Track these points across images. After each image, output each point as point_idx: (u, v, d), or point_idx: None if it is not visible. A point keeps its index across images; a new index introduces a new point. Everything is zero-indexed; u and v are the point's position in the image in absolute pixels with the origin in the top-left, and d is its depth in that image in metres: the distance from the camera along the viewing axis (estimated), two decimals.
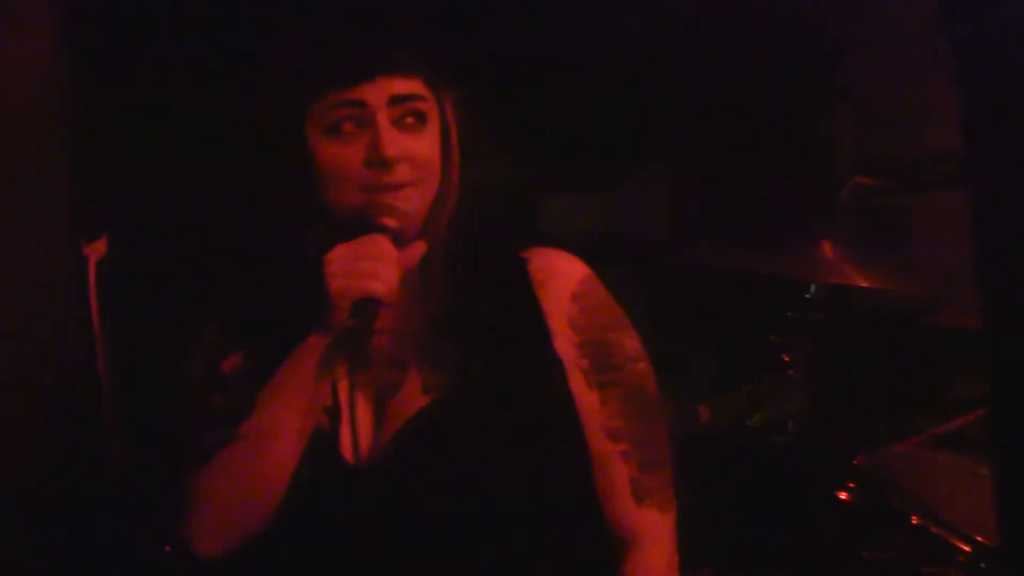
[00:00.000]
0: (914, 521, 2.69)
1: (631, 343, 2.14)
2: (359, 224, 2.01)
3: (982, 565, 2.59)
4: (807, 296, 2.97)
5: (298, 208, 2.07)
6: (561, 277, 2.13)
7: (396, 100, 2.03)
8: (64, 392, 2.21)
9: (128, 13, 2.74)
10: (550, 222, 4.74)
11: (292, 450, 2.01)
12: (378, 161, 2.00)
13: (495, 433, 2.03)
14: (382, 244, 1.98)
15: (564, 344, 2.10)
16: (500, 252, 2.16)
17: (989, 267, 1.36)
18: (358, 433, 2.04)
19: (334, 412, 2.05)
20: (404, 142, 2.03)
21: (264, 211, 2.13)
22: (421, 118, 2.05)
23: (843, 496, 2.80)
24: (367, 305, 1.95)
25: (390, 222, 2.01)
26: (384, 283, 1.95)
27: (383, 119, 2.01)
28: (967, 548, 2.61)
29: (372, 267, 1.95)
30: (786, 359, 2.95)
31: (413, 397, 2.06)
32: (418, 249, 2.04)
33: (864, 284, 2.89)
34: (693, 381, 4.26)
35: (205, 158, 2.68)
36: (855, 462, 2.84)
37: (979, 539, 2.62)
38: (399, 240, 2.01)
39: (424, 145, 2.06)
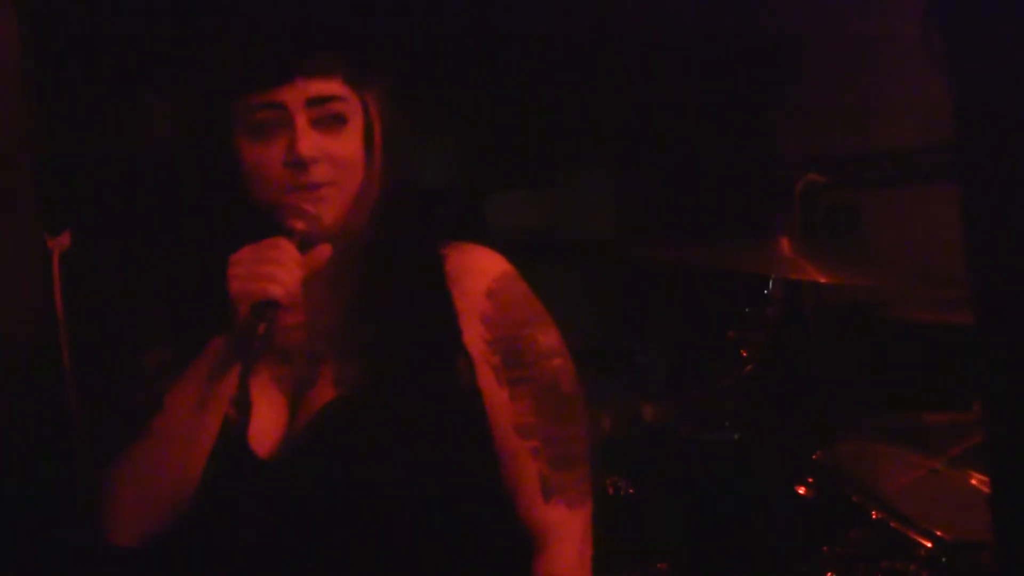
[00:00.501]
0: (874, 516, 2.71)
1: (547, 340, 2.13)
2: (274, 225, 2.02)
3: (943, 559, 2.61)
4: (765, 292, 2.97)
5: (223, 208, 2.07)
6: (476, 274, 2.13)
7: (314, 102, 2.03)
8: (28, 384, 2.20)
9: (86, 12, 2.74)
10: (497, 218, 4.75)
11: (199, 445, 2.03)
12: (295, 162, 2.01)
13: (398, 428, 2.03)
14: (284, 248, 1.98)
15: (475, 340, 2.09)
16: (418, 248, 2.15)
17: (983, 264, 1.36)
18: (266, 427, 2.06)
19: (243, 407, 2.06)
20: (323, 142, 2.03)
21: (192, 209, 2.13)
22: (341, 118, 2.05)
23: (802, 491, 2.81)
24: (264, 308, 1.96)
25: (299, 225, 2.01)
26: (282, 287, 1.96)
27: (301, 120, 2.02)
28: (928, 543, 2.63)
29: (271, 271, 1.96)
30: (744, 354, 2.96)
31: (324, 391, 2.07)
32: (323, 252, 2.03)
33: (822, 280, 2.90)
34: (649, 376, 4.29)
35: (149, 156, 2.68)
36: (814, 457, 2.86)
37: (939, 533, 2.64)
38: (307, 242, 2.02)
39: (344, 144, 2.06)
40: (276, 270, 1.96)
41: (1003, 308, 1.34)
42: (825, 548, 2.73)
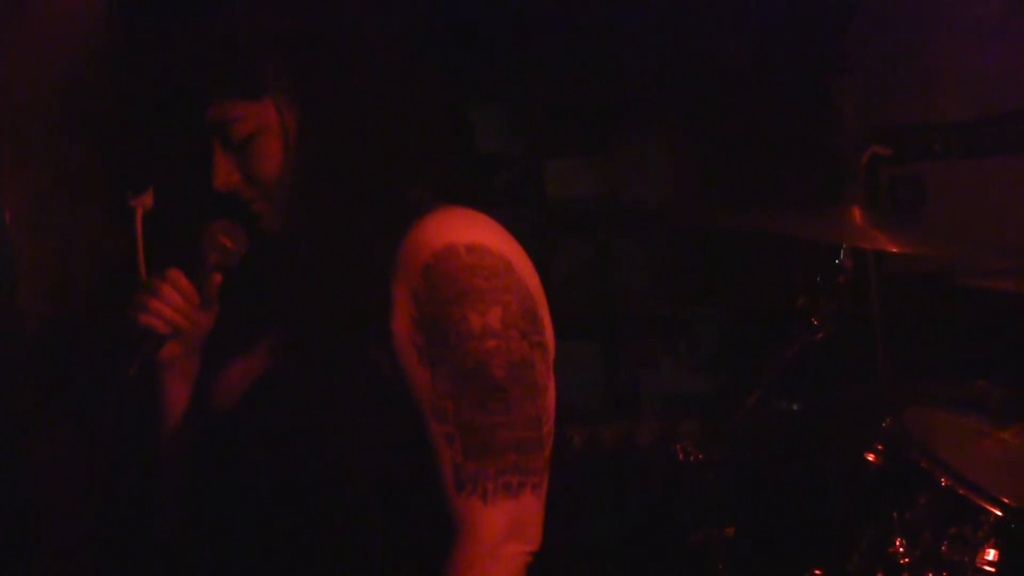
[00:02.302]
0: (943, 482, 2.71)
1: (479, 320, 1.98)
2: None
3: (1012, 526, 2.62)
4: (836, 260, 2.97)
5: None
6: (419, 250, 2.02)
7: (217, 126, 2.09)
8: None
9: None
10: (556, 185, 4.76)
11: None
12: (216, 192, 2.10)
13: (316, 404, 2.04)
14: (172, 279, 2.10)
15: (403, 320, 2.01)
16: (348, 239, 2.08)
17: None
18: (227, 387, 2.17)
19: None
20: (238, 163, 2.10)
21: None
22: (246, 136, 2.08)
23: (871, 457, 2.82)
24: (146, 338, 2.08)
25: (213, 257, 2.12)
26: (161, 321, 2.09)
27: (216, 145, 2.09)
28: (997, 511, 2.64)
29: (146, 301, 2.09)
30: (815, 322, 2.96)
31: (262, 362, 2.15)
32: (215, 282, 2.14)
33: (893, 249, 2.91)
34: (716, 344, 4.30)
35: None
36: (884, 424, 2.87)
37: (1006, 501, 2.65)
38: (211, 270, 2.13)
39: (255, 160, 2.09)
40: (151, 301, 2.08)
41: None
42: (895, 514, 2.74)
